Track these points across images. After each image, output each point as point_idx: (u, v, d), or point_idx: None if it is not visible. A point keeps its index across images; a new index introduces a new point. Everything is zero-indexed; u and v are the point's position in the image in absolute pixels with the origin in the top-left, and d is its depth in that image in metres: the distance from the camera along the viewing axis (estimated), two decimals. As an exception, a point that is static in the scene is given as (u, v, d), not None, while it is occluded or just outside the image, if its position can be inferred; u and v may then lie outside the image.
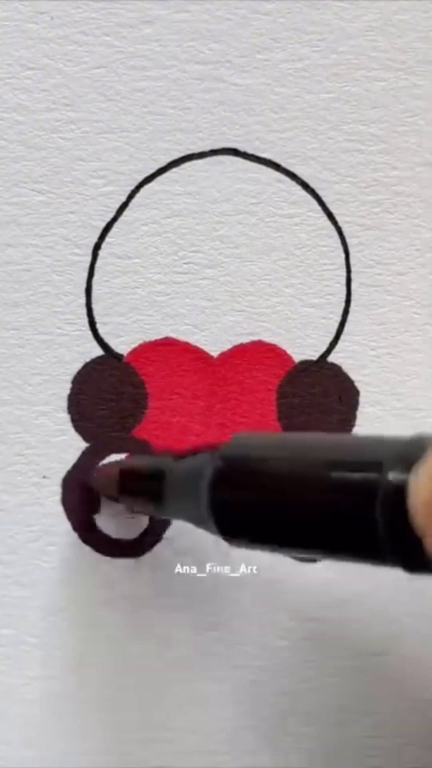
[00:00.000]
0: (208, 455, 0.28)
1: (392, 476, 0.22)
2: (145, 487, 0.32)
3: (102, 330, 0.36)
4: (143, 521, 0.37)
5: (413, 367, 0.37)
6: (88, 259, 0.36)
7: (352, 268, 0.37)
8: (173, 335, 0.37)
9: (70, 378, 0.36)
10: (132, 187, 0.36)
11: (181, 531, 0.37)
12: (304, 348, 0.37)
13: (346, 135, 0.37)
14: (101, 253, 0.36)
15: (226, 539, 0.28)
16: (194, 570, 0.37)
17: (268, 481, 0.26)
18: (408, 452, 0.22)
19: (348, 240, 0.37)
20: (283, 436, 0.28)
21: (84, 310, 0.36)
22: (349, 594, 0.38)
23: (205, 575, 0.37)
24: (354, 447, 0.25)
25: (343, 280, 0.37)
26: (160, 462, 0.32)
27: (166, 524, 0.37)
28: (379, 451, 0.23)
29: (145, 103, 0.36)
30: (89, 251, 0.36)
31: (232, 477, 0.27)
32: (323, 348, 0.37)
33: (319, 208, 0.37)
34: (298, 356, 0.37)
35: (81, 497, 0.36)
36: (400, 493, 0.21)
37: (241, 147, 0.36)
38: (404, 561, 0.22)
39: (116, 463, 0.35)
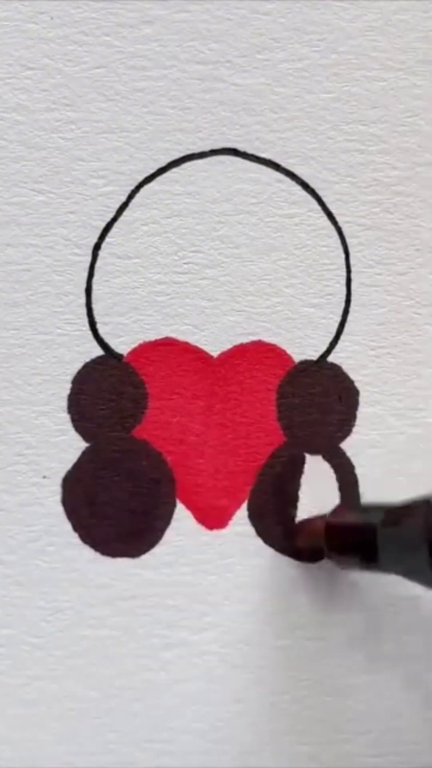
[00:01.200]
0: (421, 515, 0.27)
1: None
2: (355, 545, 0.32)
3: (102, 330, 0.36)
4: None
5: (413, 367, 0.37)
6: (88, 259, 0.36)
7: (352, 268, 0.37)
8: (173, 335, 0.37)
9: (70, 378, 0.36)
10: (132, 187, 0.36)
11: (181, 531, 0.37)
12: (304, 348, 0.37)
13: (346, 135, 0.37)
14: (101, 253, 0.36)
15: None
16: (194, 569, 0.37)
17: None
18: None
19: (348, 240, 0.37)
20: None
21: (84, 310, 0.36)
22: (346, 611, 0.38)
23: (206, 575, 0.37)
24: None
25: (343, 280, 0.37)
26: (370, 517, 0.31)
27: (165, 524, 0.37)
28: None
29: (145, 103, 0.36)
30: (89, 251, 0.36)
31: None
32: (323, 348, 0.37)
33: (319, 208, 0.37)
34: (298, 356, 0.37)
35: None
36: None
37: (241, 147, 0.36)
38: None
39: (321, 517, 0.35)
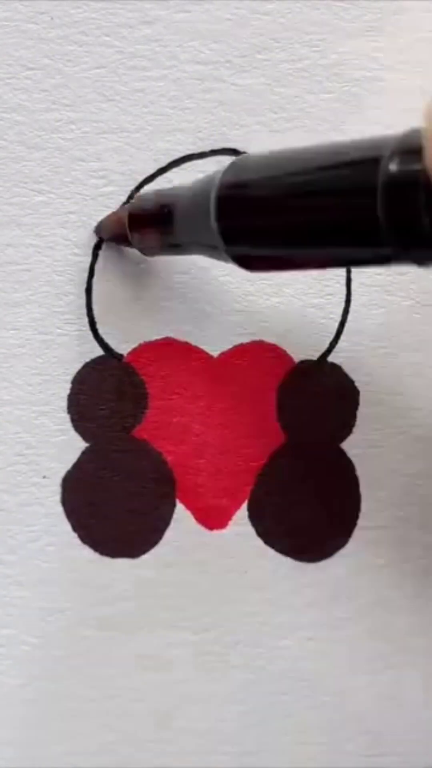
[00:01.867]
0: (211, 180, 0.28)
1: (391, 166, 0.23)
2: (154, 223, 0.32)
3: (102, 330, 0.36)
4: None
5: (413, 366, 0.37)
6: (88, 259, 0.36)
7: (352, 268, 0.37)
8: (173, 335, 0.37)
9: (70, 378, 0.36)
10: (132, 187, 0.36)
11: (181, 531, 0.37)
12: (304, 348, 0.37)
13: (346, 135, 0.37)
14: (101, 253, 0.36)
15: (234, 257, 0.28)
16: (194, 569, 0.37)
17: (271, 195, 0.26)
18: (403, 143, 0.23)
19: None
20: (279, 153, 0.28)
21: (84, 310, 0.36)
22: (346, 612, 0.38)
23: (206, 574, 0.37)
24: (350, 149, 0.25)
25: (343, 280, 0.37)
26: (167, 196, 0.31)
27: (165, 524, 0.37)
28: (376, 147, 0.24)
29: (145, 103, 0.36)
30: (89, 251, 0.36)
31: (236, 198, 0.27)
32: (323, 348, 0.37)
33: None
34: (298, 356, 0.37)
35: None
36: (403, 176, 0.22)
37: (241, 147, 0.36)
38: (402, 242, 0.23)
39: (122, 209, 0.35)
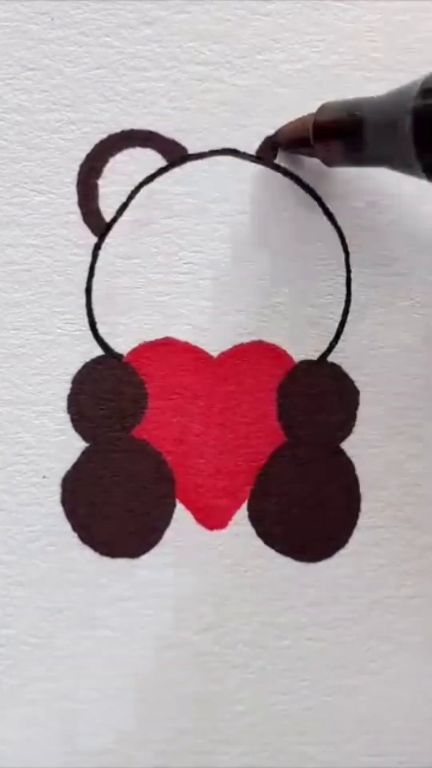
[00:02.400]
0: (410, 90, 0.27)
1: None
2: (342, 134, 0.31)
3: (102, 330, 0.36)
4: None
5: (413, 367, 0.37)
6: (88, 259, 0.36)
7: (352, 268, 0.37)
8: (173, 335, 0.37)
9: (70, 378, 0.36)
10: (132, 187, 0.36)
11: (181, 531, 0.37)
12: (304, 348, 0.37)
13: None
14: (101, 253, 0.36)
15: (427, 166, 0.27)
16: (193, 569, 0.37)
17: None
18: None
19: (348, 240, 0.37)
20: None
21: (84, 310, 0.36)
22: (346, 612, 0.38)
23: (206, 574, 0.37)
24: None
25: (343, 280, 0.37)
26: (356, 107, 0.31)
27: (165, 524, 0.37)
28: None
29: (145, 103, 0.36)
30: (89, 251, 0.36)
31: None
32: (323, 348, 0.37)
33: (319, 208, 0.37)
34: (298, 356, 0.37)
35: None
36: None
37: (241, 147, 0.36)
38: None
39: (308, 116, 0.34)
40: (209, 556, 0.37)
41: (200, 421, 0.37)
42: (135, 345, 0.36)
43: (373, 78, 0.37)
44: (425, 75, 0.27)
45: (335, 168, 0.35)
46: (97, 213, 0.36)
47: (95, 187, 0.36)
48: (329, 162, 0.33)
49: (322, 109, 0.33)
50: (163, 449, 0.37)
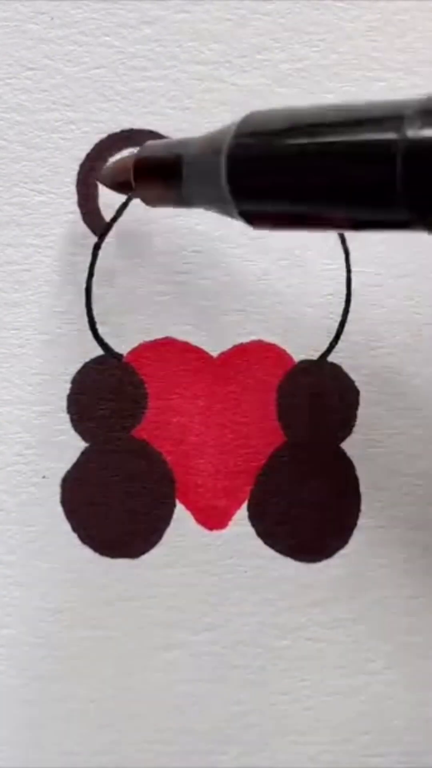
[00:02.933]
0: (223, 135, 0.27)
1: (411, 132, 0.22)
2: (161, 173, 0.31)
3: (102, 330, 0.36)
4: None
5: (413, 367, 0.37)
6: (88, 259, 0.36)
7: (352, 268, 0.37)
8: (173, 335, 0.37)
9: (70, 378, 0.36)
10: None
11: (181, 531, 0.37)
12: (304, 348, 0.37)
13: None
14: (101, 253, 0.36)
15: (243, 212, 0.27)
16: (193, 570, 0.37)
17: (284, 152, 0.26)
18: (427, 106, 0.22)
19: (348, 240, 0.37)
20: (294, 111, 0.28)
21: (84, 310, 0.36)
22: (346, 612, 0.38)
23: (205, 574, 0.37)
24: (369, 109, 0.24)
25: (343, 280, 0.37)
26: (176, 147, 0.31)
27: (165, 524, 0.37)
28: (397, 108, 0.23)
29: (145, 103, 0.36)
30: (89, 251, 0.36)
31: (248, 153, 0.26)
32: (323, 348, 0.37)
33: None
34: (298, 356, 0.37)
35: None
36: (422, 146, 0.22)
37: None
38: (418, 208, 0.23)
39: (128, 156, 0.33)
40: (209, 556, 0.37)
41: (200, 421, 0.37)
42: (135, 345, 0.36)
43: (373, 78, 0.37)
44: (241, 117, 0.27)
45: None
46: (97, 213, 0.36)
47: (95, 187, 0.36)
48: (150, 202, 0.33)
49: (143, 148, 0.33)
50: (163, 449, 0.37)
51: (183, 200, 0.31)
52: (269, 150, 0.26)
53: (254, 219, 0.27)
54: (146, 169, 0.32)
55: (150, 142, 0.33)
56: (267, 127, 0.26)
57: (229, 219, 0.36)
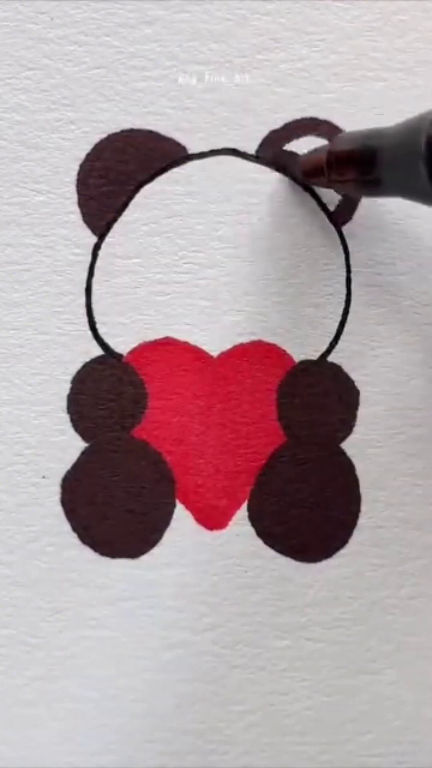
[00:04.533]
0: (424, 120, 0.27)
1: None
2: (356, 161, 0.31)
3: (102, 330, 0.36)
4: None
5: (413, 367, 0.37)
6: (88, 259, 0.36)
7: (352, 268, 0.37)
8: (173, 335, 0.37)
9: (70, 378, 0.36)
10: (132, 187, 0.36)
11: (181, 531, 0.37)
12: (304, 348, 0.37)
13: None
14: (101, 253, 0.36)
15: None
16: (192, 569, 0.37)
17: None
18: None
19: (348, 240, 0.37)
20: None
21: (84, 310, 0.36)
22: (346, 612, 0.38)
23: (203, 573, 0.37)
24: None
25: (343, 280, 0.37)
26: (371, 138, 0.31)
27: (165, 524, 0.37)
28: None
29: (145, 103, 0.36)
30: (89, 251, 0.36)
31: None
32: (323, 348, 0.37)
33: (319, 208, 0.37)
34: (298, 356, 0.37)
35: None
36: None
37: (241, 147, 0.36)
38: None
39: (321, 148, 0.34)
40: (209, 556, 0.37)
41: (200, 421, 0.37)
42: (135, 345, 0.36)
43: (373, 78, 0.37)
44: None
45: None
46: (97, 213, 0.36)
47: (95, 187, 0.36)
48: (343, 190, 0.34)
49: (338, 139, 0.33)
50: (163, 449, 0.37)
51: (379, 190, 0.31)
52: None
53: None
54: (341, 158, 0.32)
55: (344, 132, 0.33)
56: None
57: (230, 217, 0.36)
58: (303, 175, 0.35)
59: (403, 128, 0.29)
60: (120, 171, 0.36)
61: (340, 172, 0.32)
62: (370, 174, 0.30)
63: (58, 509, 0.36)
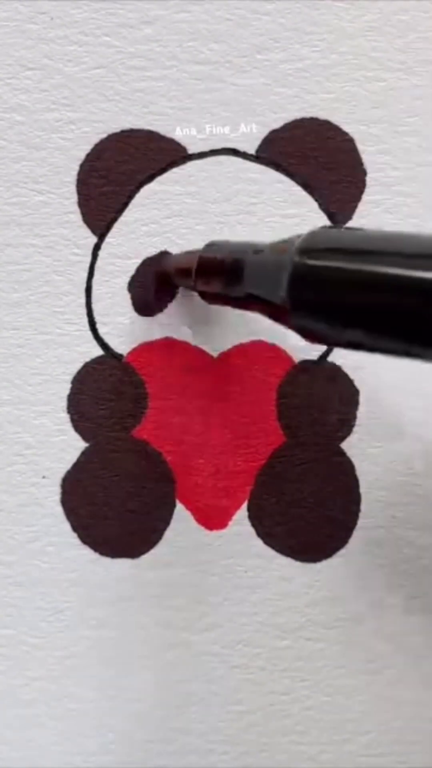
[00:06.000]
0: (288, 247, 0.27)
1: None
2: (223, 272, 0.31)
3: (102, 330, 0.36)
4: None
5: (413, 367, 0.37)
6: (88, 259, 0.36)
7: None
8: (173, 335, 0.37)
9: (70, 378, 0.36)
10: (132, 187, 0.36)
11: (181, 531, 0.37)
12: (304, 348, 0.37)
13: (345, 135, 0.37)
14: (101, 253, 0.36)
15: (301, 330, 0.27)
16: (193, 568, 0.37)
17: (347, 278, 0.25)
18: None
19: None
20: (361, 235, 0.27)
21: (84, 310, 0.36)
22: (346, 612, 0.38)
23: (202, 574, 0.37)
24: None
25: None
26: (240, 252, 0.31)
27: (165, 524, 0.37)
28: None
29: (145, 103, 0.36)
30: (89, 251, 0.36)
31: (311, 274, 0.26)
32: (323, 348, 0.37)
33: (318, 208, 0.37)
34: (298, 356, 0.37)
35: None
36: None
37: (241, 147, 0.36)
38: None
39: (193, 252, 0.34)
40: (209, 556, 0.37)
41: (200, 421, 0.37)
42: (135, 345, 0.36)
43: (373, 78, 0.37)
44: (306, 232, 0.27)
45: (335, 168, 0.36)
46: (97, 213, 0.36)
47: (95, 187, 0.36)
48: (207, 298, 0.34)
49: (207, 247, 0.33)
50: (163, 449, 0.37)
51: (239, 301, 0.31)
52: (331, 272, 0.26)
53: (307, 333, 0.27)
54: (209, 267, 0.32)
55: (215, 241, 0.33)
56: (330, 248, 0.27)
57: (230, 217, 0.36)
58: (171, 273, 0.35)
59: (271, 250, 0.29)
60: (120, 171, 0.36)
61: (207, 279, 0.32)
62: (236, 288, 0.30)
63: (58, 509, 0.36)
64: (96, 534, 0.37)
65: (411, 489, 0.38)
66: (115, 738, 0.37)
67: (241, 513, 0.37)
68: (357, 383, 0.37)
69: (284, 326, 0.28)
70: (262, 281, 0.29)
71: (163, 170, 0.36)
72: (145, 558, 0.37)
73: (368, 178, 0.37)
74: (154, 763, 0.37)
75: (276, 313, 0.28)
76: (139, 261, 0.36)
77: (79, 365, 0.36)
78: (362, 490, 0.37)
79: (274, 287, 0.27)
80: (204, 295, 0.33)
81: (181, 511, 0.37)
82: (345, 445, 0.37)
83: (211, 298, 0.33)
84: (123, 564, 0.37)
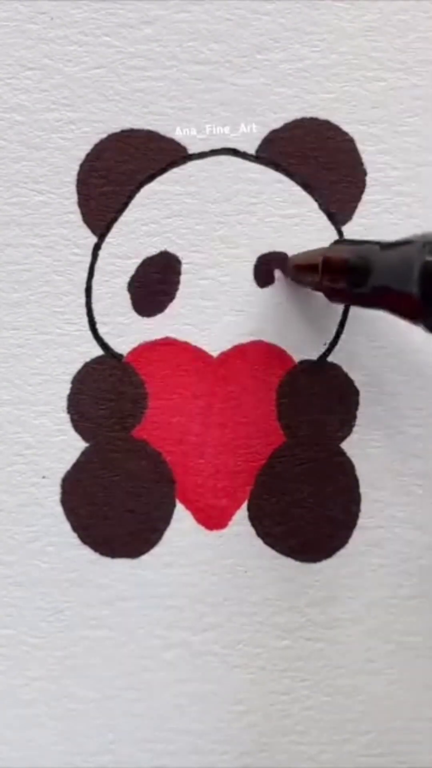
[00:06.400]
0: (418, 246, 0.28)
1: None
2: (349, 271, 0.31)
3: (102, 330, 0.36)
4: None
5: (413, 367, 0.37)
6: (88, 259, 0.36)
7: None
8: (173, 335, 0.37)
9: (70, 378, 0.36)
10: (132, 187, 0.36)
11: (181, 531, 0.37)
12: (304, 348, 0.37)
13: (345, 135, 0.37)
14: (101, 253, 0.36)
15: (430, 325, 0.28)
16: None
17: None
18: None
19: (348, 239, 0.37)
20: None
21: (84, 310, 0.36)
22: (346, 612, 0.38)
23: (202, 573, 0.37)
24: None
25: (343, 280, 0.37)
26: (366, 251, 0.31)
27: (165, 524, 0.37)
28: None
29: (145, 103, 0.36)
30: (89, 251, 0.36)
31: None
32: (323, 348, 0.37)
33: (318, 208, 0.37)
34: (298, 356, 0.37)
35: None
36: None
37: (241, 147, 0.36)
38: None
39: (317, 251, 0.34)
40: (209, 556, 0.37)
41: (200, 421, 0.37)
42: (135, 345, 0.36)
43: (373, 78, 0.37)
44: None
45: (335, 168, 0.35)
46: (97, 213, 0.36)
47: (95, 187, 0.36)
48: (331, 297, 0.34)
49: (333, 247, 0.33)
50: (163, 449, 0.37)
51: (364, 300, 0.32)
52: None
53: None
54: (336, 265, 0.32)
55: (339, 241, 0.34)
56: None
57: (230, 217, 0.36)
58: (292, 272, 0.36)
59: (398, 249, 0.29)
60: (120, 171, 0.36)
61: (333, 276, 0.33)
62: (361, 285, 0.31)
63: (58, 509, 0.36)
64: (96, 534, 0.37)
65: (411, 489, 0.38)
66: (115, 738, 0.37)
67: (241, 513, 0.37)
68: (357, 383, 0.37)
69: (412, 322, 0.28)
70: (392, 277, 0.29)
71: (163, 170, 0.36)
72: (145, 558, 0.37)
73: (368, 178, 0.37)
74: (154, 763, 0.37)
75: (406, 308, 0.29)
76: (139, 261, 0.36)
77: (79, 365, 0.36)
78: (362, 490, 0.37)
79: (405, 283, 0.28)
80: (329, 293, 0.33)
81: (181, 511, 0.37)
82: (345, 445, 0.37)
83: (335, 295, 0.33)
84: (123, 564, 0.37)
